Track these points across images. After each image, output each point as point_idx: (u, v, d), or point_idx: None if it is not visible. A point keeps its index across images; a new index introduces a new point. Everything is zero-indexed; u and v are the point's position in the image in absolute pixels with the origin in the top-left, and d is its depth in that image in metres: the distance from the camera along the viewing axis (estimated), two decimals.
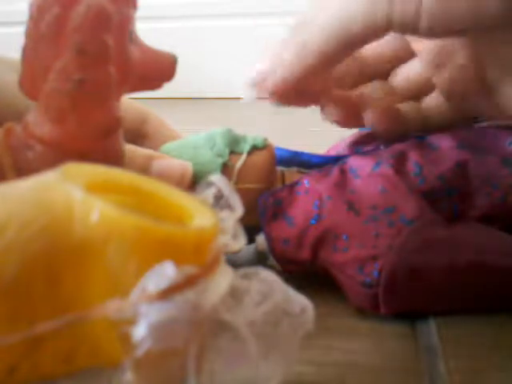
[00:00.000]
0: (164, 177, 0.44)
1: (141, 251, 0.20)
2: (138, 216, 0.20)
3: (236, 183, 0.55)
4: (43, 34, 0.37)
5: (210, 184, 0.26)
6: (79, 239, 0.20)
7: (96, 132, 0.40)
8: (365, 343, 0.41)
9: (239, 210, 0.25)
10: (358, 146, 0.55)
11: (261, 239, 0.58)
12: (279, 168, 0.60)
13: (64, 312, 0.19)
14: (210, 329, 0.21)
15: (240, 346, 0.22)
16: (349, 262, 0.46)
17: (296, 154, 0.59)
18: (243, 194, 0.56)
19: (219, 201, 0.25)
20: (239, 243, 0.23)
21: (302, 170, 0.60)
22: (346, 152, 0.56)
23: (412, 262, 0.43)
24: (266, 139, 0.59)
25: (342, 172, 0.51)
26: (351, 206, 0.48)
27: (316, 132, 0.91)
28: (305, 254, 0.50)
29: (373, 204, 0.47)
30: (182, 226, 0.22)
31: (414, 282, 0.44)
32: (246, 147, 0.57)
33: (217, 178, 0.27)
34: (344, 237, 0.47)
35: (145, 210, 0.23)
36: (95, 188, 0.22)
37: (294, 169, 0.60)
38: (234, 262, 0.24)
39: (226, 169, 0.55)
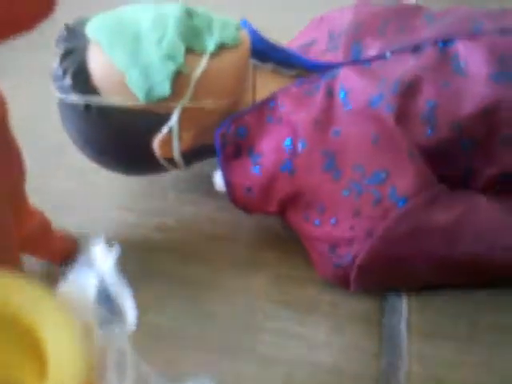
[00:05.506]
0: None
1: None
2: None
3: (192, 99, 0.42)
4: None
5: (91, 264, 0.19)
6: None
7: None
8: (321, 330, 0.37)
9: (131, 318, 0.19)
10: (357, 41, 0.42)
11: (218, 178, 0.48)
12: (252, 61, 0.45)
13: None
14: None
15: None
16: (320, 238, 0.39)
17: (274, 46, 0.46)
18: (202, 115, 0.44)
19: (104, 299, 0.19)
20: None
21: (280, 70, 0.47)
22: (339, 49, 0.43)
23: (398, 250, 0.36)
24: (239, 28, 0.44)
25: (329, 94, 0.40)
26: (331, 162, 0.37)
27: None
28: (272, 207, 0.44)
29: (359, 161, 0.36)
30: None
31: (395, 269, 0.38)
32: (211, 44, 0.42)
33: (100, 258, 0.20)
34: (318, 207, 0.39)
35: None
36: None
37: (269, 66, 0.47)
38: None
39: (179, 78, 0.42)
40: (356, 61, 0.41)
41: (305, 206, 0.40)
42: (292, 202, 0.42)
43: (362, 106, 0.37)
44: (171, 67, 0.41)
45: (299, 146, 0.39)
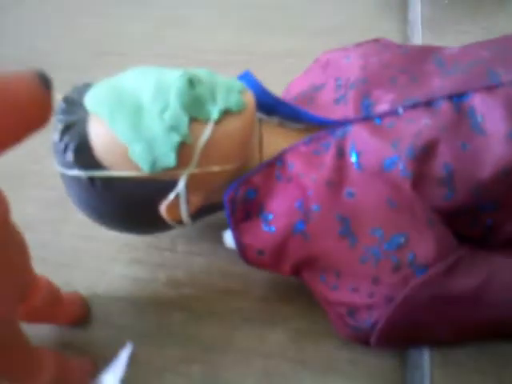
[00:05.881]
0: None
1: None
2: None
3: (198, 166, 0.41)
4: None
5: None
6: None
7: None
8: None
9: None
10: (367, 95, 0.39)
11: (228, 238, 0.47)
12: (258, 115, 0.44)
13: None
14: None
15: None
16: (338, 302, 0.38)
17: (279, 101, 0.44)
18: (209, 179, 0.42)
19: None
20: None
21: (286, 124, 0.45)
22: (348, 102, 0.40)
23: (420, 317, 0.35)
24: (243, 91, 0.41)
25: (340, 154, 0.38)
26: (346, 226, 0.36)
27: None
28: (284, 269, 0.41)
29: (376, 224, 0.35)
30: None
31: (417, 333, 0.36)
32: (215, 112, 0.40)
33: None
34: (334, 272, 0.37)
35: None
36: None
37: (276, 120, 0.46)
38: None
39: (183, 148, 0.40)
40: (367, 117, 0.39)
41: (320, 269, 0.38)
42: (306, 265, 0.39)
43: (376, 169, 0.36)
44: (175, 139, 0.40)
45: (312, 210, 0.37)
